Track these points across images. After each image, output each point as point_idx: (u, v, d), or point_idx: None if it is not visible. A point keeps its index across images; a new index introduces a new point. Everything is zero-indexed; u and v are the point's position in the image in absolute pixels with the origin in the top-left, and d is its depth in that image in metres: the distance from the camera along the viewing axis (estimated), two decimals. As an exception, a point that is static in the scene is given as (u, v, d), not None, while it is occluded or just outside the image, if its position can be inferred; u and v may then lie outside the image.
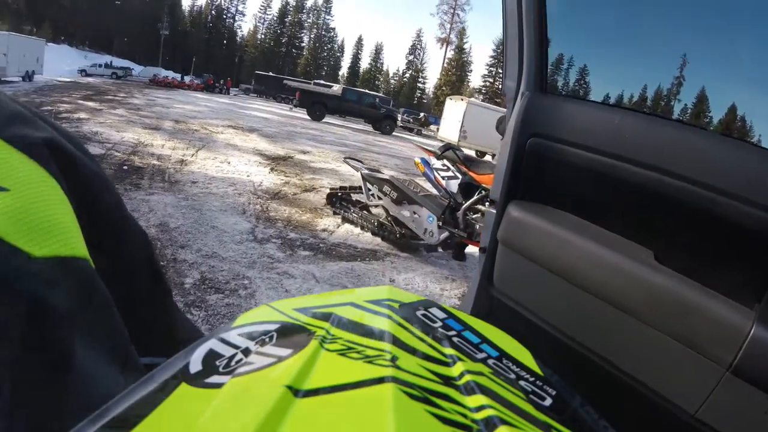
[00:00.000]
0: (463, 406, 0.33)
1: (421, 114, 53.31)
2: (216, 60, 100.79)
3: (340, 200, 7.47)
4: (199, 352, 0.37)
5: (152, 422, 0.29)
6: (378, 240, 6.48)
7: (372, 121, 33.38)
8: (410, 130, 45.50)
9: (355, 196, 7.42)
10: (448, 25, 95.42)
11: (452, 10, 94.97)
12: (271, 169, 10.32)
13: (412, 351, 0.39)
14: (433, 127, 48.50)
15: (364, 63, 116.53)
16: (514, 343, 0.51)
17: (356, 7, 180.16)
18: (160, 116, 17.98)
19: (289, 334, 0.41)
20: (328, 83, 44.10)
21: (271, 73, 69.49)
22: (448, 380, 0.36)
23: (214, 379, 0.33)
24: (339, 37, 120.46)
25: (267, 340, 0.39)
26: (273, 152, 12.81)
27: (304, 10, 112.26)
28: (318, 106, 31.12)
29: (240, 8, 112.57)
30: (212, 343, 0.39)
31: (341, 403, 0.30)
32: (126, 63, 72.28)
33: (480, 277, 1.94)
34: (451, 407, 0.32)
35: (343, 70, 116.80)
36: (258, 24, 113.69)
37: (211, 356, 0.37)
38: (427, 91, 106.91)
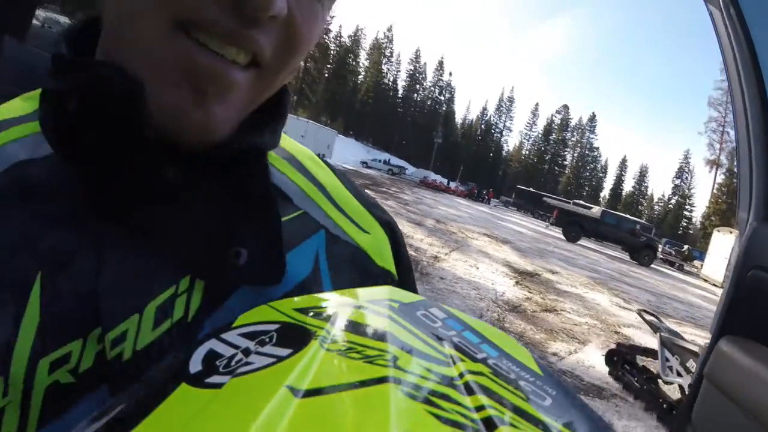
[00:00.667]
0: (463, 406, 0.31)
1: (685, 246, 47.46)
2: (481, 170, 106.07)
3: (623, 361, 5.88)
4: (199, 352, 0.38)
5: (152, 422, 0.30)
6: (609, 379, 5.85)
7: (629, 249, 31.03)
8: (671, 264, 40.99)
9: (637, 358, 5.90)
10: (718, 145, 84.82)
11: (721, 128, 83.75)
12: (516, 283, 10.24)
13: (412, 351, 0.38)
14: (696, 262, 42.75)
15: (627, 185, 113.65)
16: (515, 343, 0.47)
17: (621, 126, 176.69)
18: (424, 214, 19.33)
19: (289, 334, 0.41)
20: (587, 204, 43.31)
21: (531, 189, 70.96)
22: (448, 380, 0.34)
23: (214, 379, 0.34)
24: (602, 157, 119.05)
25: (267, 340, 0.39)
26: (521, 266, 12.74)
27: (569, 129, 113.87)
28: (574, 227, 30.49)
29: (507, 124, 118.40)
30: (212, 343, 0.40)
31: (341, 403, 0.29)
32: (401, 162, 79.85)
33: (680, 411, 1.77)
34: (451, 407, 0.30)
35: (605, 192, 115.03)
36: (523, 140, 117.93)
37: (211, 356, 0.38)
38: (693, 220, 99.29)
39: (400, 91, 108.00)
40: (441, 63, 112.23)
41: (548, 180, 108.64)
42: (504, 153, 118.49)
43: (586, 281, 13.33)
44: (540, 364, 0.44)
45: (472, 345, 0.43)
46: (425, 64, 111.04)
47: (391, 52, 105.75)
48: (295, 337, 0.39)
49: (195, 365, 0.36)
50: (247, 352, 0.38)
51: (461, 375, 0.36)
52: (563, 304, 9.44)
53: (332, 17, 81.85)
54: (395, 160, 77.51)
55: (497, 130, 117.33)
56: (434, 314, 0.48)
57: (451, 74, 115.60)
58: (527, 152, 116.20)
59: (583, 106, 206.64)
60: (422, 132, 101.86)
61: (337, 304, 0.48)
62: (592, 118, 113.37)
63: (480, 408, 0.31)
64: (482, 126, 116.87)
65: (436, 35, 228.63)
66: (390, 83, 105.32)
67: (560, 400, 0.38)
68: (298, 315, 0.44)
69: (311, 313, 0.44)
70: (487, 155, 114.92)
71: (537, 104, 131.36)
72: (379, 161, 65.88)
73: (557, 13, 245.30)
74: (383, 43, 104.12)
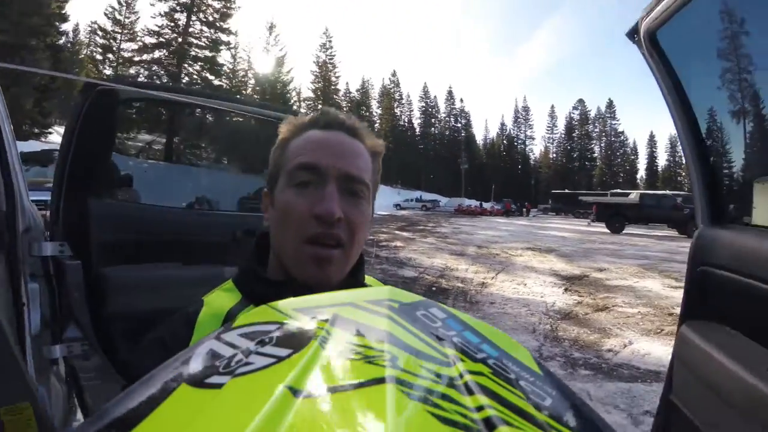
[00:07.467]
0: (463, 406, 0.31)
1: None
2: (513, 184, 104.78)
3: None
4: (199, 353, 0.39)
5: (152, 422, 0.30)
6: (665, 362, 5.55)
7: (676, 225, 29.55)
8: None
9: None
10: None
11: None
12: (565, 290, 10.01)
13: (412, 351, 0.38)
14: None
15: (661, 160, 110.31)
16: (514, 343, 0.47)
17: (641, 103, 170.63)
18: (464, 242, 19.16)
19: (289, 334, 0.41)
20: (624, 191, 42.04)
21: (566, 190, 70.15)
22: (448, 380, 0.35)
23: (214, 379, 0.34)
24: (629, 140, 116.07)
25: (267, 340, 0.39)
26: (568, 272, 12.46)
27: (590, 121, 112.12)
28: (616, 218, 29.62)
29: (528, 133, 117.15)
30: (212, 344, 0.40)
31: (341, 403, 0.30)
32: (433, 196, 79.70)
33: (664, 386, 1.92)
34: (451, 407, 0.31)
35: (641, 173, 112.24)
36: (548, 144, 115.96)
37: (212, 356, 0.38)
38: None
39: (417, 129, 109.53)
40: (450, 92, 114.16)
41: (582, 176, 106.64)
42: (532, 161, 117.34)
43: (636, 270, 12.91)
44: (540, 364, 0.44)
45: (472, 345, 0.44)
46: (435, 97, 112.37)
47: (401, 95, 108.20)
48: (295, 337, 0.40)
49: (195, 365, 0.37)
50: (247, 352, 0.38)
51: (461, 375, 0.36)
52: (614, 299, 9.18)
53: (338, 77, 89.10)
54: (427, 196, 78.02)
55: (519, 141, 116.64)
56: (434, 314, 0.48)
57: (462, 101, 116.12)
58: (554, 155, 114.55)
59: (599, 96, 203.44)
60: (448, 162, 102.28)
61: (337, 304, 0.47)
62: (610, 104, 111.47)
63: (480, 408, 0.31)
64: (504, 141, 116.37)
65: (439, 67, 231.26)
66: (406, 124, 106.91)
67: (560, 400, 0.39)
68: (298, 315, 0.44)
69: (311, 313, 0.44)
70: (516, 168, 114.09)
71: (552, 106, 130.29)
72: (412, 200, 66.90)
73: (543, 20, 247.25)
74: (391, 88, 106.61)
